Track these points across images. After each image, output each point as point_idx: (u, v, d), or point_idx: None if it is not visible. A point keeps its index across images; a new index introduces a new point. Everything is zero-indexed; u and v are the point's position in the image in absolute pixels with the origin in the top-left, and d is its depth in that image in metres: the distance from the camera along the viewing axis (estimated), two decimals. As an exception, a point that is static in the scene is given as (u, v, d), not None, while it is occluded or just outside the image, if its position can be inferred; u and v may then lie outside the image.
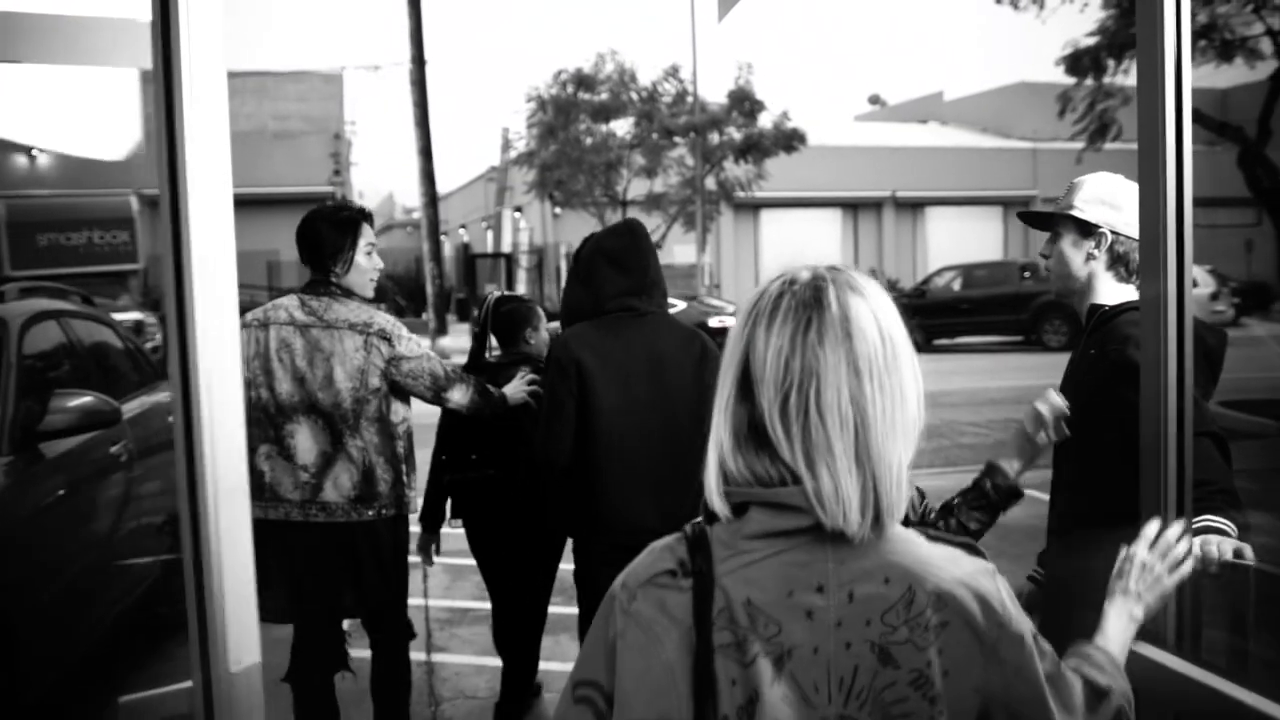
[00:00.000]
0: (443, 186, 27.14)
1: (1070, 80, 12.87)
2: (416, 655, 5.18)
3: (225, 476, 1.48)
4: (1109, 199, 2.50)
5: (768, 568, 1.23)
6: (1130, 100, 12.70)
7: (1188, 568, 1.75)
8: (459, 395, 3.62)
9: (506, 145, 30.17)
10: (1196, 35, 12.19)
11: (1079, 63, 12.45)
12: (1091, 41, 12.40)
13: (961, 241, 33.01)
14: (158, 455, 5.21)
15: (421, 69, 23.51)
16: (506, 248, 32.94)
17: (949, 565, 1.27)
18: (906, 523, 1.31)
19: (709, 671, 1.20)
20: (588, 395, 3.27)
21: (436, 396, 3.59)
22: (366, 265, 3.58)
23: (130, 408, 5.13)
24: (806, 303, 1.24)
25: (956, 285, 24.45)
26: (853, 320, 1.23)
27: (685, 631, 1.22)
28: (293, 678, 3.67)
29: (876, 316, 1.25)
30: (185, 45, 1.39)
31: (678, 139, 24.31)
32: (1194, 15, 12.06)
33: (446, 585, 6.42)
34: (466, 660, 5.13)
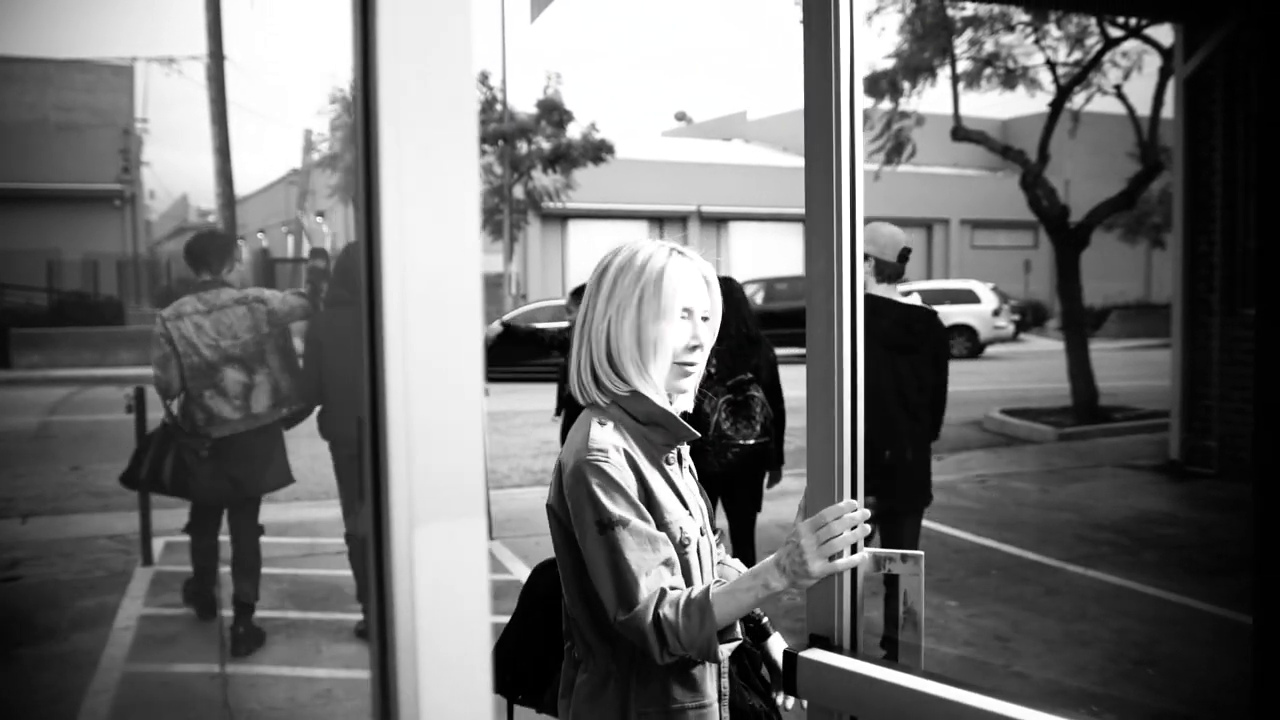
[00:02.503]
0: (241, 189, 26.15)
1: (867, 102, 13.41)
2: (210, 667, 4.99)
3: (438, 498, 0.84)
4: (870, 237, 4.35)
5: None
6: (924, 121, 13.36)
7: (843, 563, 1.73)
8: None
9: (309, 147, 29.35)
10: (982, 64, 12.90)
11: (876, 85, 12.97)
12: (889, 65, 12.95)
13: (763, 255, 33.91)
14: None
15: (220, 64, 22.64)
16: (307, 253, 32.00)
17: (581, 447, 1.82)
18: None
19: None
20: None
21: None
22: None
23: None
24: (603, 259, 1.96)
25: (759, 298, 25.11)
26: (613, 264, 1.93)
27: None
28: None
29: (635, 260, 1.92)
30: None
31: (486, 146, 24.15)
32: (979, 44, 12.82)
33: (242, 597, 6.20)
34: (264, 670, 4.94)
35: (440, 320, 0.84)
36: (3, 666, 5.12)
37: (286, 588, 6.34)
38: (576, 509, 1.80)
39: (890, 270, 4.47)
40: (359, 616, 5.72)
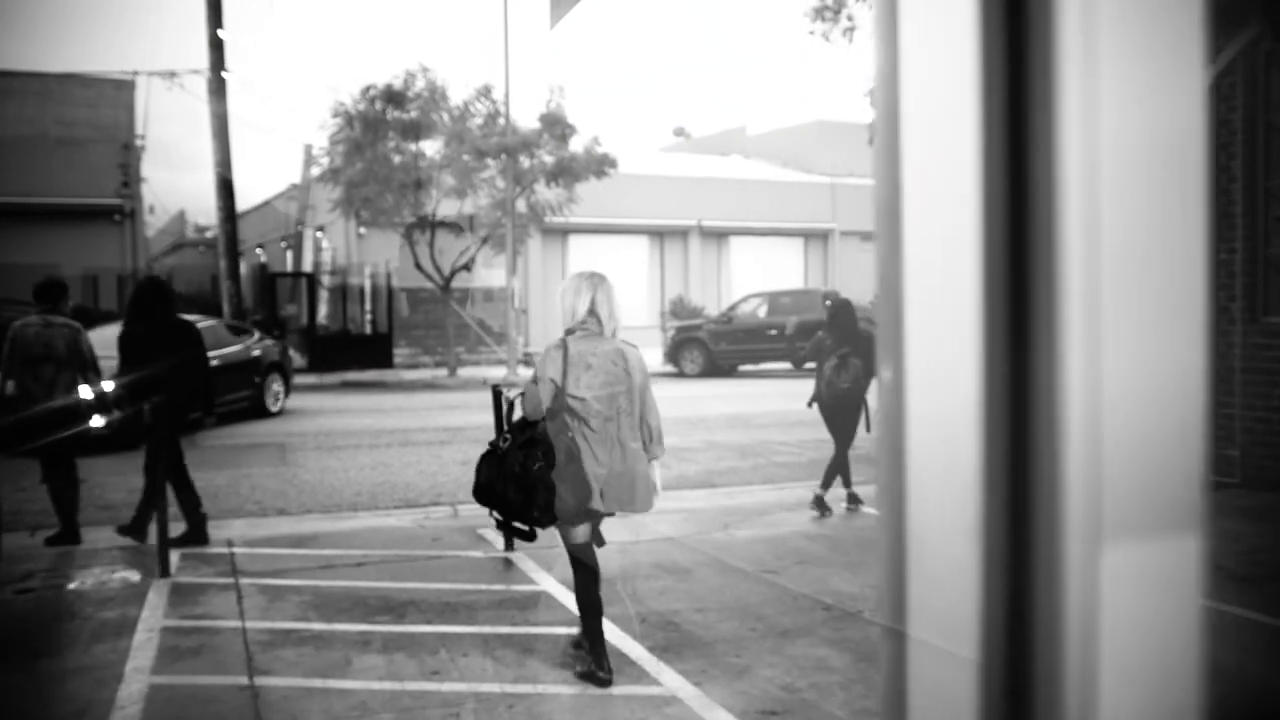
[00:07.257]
0: (241, 204, 25.95)
1: (868, 115, 13.35)
2: (239, 679, 4.86)
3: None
4: None
5: (579, 341, 4.82)
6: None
7: None
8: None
9: (309, 162, 29.24)
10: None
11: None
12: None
13: (764, 270, 33.86)
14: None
15: (221, 78, 22.56)
16: (307, 267, 31.83)
17: (627, 348, 4.91)
18: None
19: (565, 369, 4.77)
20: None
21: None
22: None
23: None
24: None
25: (762, 312, 25.05)
26: (607, 280, 4.99)
27: (560, 359, 4.79)
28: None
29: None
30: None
31: (489, 160, 24.04)
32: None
33: (264, 607, 6.06)
34: (294, 683, 4.81)
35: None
36: (24, 677, 5.00)
37: (309, 599, 6.22)
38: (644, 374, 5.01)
39: None
40: (388, 628, 5.60)
